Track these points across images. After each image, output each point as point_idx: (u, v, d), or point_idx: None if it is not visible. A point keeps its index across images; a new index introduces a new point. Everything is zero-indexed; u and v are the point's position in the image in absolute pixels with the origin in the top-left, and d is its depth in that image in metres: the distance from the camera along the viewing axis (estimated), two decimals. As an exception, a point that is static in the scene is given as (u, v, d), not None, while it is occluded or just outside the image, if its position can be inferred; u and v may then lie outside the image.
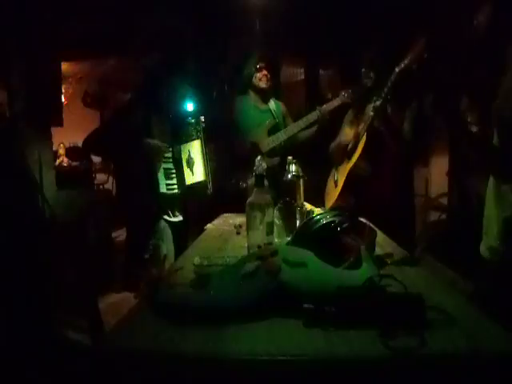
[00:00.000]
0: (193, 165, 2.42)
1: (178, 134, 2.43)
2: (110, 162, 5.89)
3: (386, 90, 2.09)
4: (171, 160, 2.40)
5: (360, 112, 2.39)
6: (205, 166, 2.42)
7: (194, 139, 2.43)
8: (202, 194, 2.44)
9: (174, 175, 2.40)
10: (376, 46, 2.54)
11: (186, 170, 2.42)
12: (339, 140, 2.48)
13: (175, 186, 2.39)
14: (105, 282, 3.08)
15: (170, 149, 2.39)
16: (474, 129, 1.50)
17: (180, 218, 2.44)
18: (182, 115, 2.46)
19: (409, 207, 2.58)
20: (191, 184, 2.42)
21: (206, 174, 2.42)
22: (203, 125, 2.43)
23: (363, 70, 2.37)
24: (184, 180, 2.41)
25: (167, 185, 2.35)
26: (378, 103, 2.13)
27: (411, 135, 2.28)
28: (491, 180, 1.39)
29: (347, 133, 2.43)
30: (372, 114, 2.16)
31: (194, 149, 2.43)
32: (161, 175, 2.33)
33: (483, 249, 1.41)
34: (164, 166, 2.36)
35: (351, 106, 2.53)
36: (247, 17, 3.78)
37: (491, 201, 1.38)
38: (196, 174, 2.43)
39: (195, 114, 2.47)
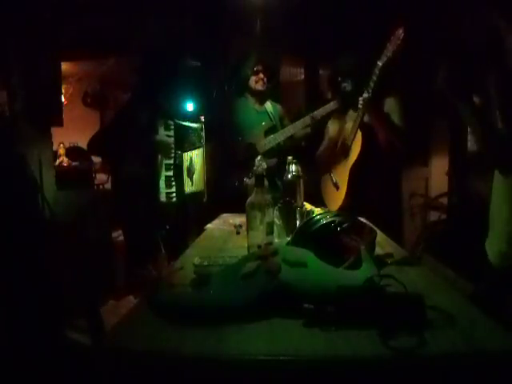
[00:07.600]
0: (193, 174, 2.38)
1: (181, 141, 2.37)
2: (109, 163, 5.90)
3: (371, 83, 2.07)
4: (172, 167, 2.34)
5: (343, 113, 2.36)
6: (203, 175, 2.38)
7: (197, 147, 2.38)
8: (197, 202, 2.41)
9: (174, 183, 2.34)
10: (350, 50, 2.52)
11: (186, 179, 2.36)
12: (327, 142, 2.44)
13: (174, 195, 2.32)
14: (105, 282, 3.08)
15: (173, 155, 2.33)
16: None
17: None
18: (185, 120, 2.41)
19: (397, 208, 2.56)
20: (188, 193, 2.37)
21: (204, 184, 2.37)
22: (203, 133, 2.39)
23: (339, 78, 2.34)
24: (183, 189, 2.34)
25: (167, 193, 2.29)
26: (365, 96, 2.11)
27: (403, 126, 2.26)
28: (499, 174, 1.30)
29: (333, 134, 2.41)
30: (361, 106, 2.13)
31: (196, 157, 2.38)
32: (162, 183, 2.27)
33: (491, 254, 1.34)
34: (166, 173, 2.29)
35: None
36: (247, 16, 3.78)
37: (500, 198, 1.30)
38: (194, 183, 2.38)
39: (197, 119, 2.43)
